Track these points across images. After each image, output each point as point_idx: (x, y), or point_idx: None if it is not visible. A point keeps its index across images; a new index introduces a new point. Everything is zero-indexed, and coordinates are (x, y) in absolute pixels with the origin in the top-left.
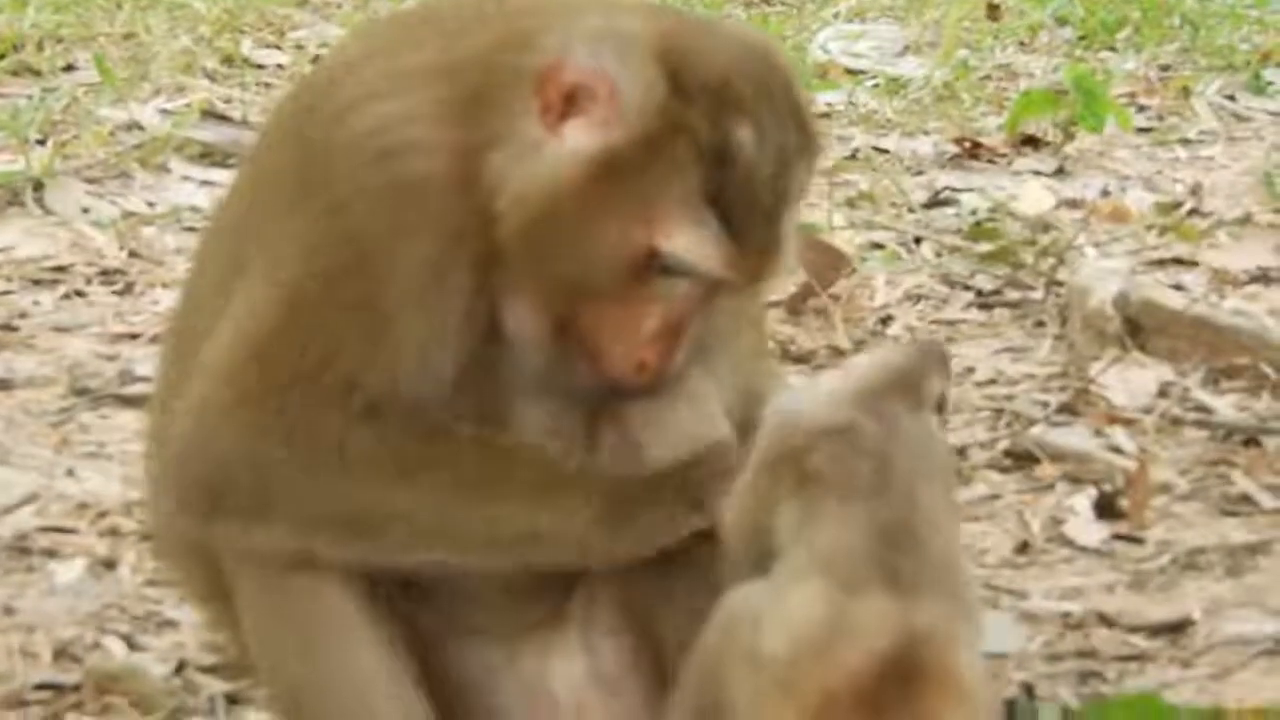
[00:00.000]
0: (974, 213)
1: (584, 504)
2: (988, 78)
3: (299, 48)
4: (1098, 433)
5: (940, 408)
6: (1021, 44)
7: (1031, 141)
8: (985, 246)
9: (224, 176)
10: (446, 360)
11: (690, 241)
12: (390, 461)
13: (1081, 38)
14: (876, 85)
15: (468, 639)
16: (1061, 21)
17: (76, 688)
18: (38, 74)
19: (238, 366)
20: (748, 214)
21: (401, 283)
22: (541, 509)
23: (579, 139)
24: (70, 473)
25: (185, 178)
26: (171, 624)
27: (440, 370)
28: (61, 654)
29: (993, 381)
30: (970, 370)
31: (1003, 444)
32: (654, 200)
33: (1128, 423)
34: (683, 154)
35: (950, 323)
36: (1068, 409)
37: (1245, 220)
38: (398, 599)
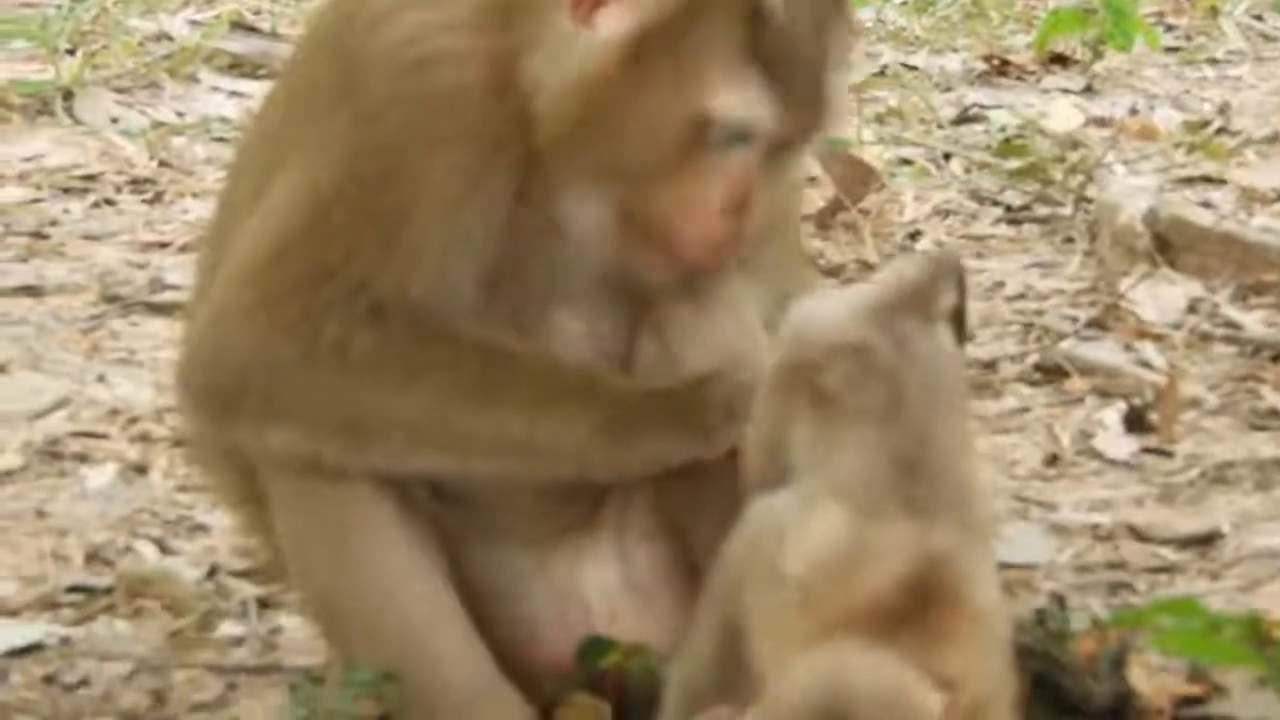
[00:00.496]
0: (1003, 130)
1: (584, 415)
2: None
3: None
4: (1127, 347)
5: (958, 321)
6: None
7: (1060, 59)
8: (1014, 163)
9: (253, 88)
10: (469, 269)
11: (739, 100)
12: (393, 364)
13: None
14: (905, 2)
15: (499, 544)
16: None
17: (108, 591)
18: None
19: (260, 267)
20: (791, 69)
21: (433, 190)
22: (541, 416)
23: (612, 25)
24: (101, 379)
25: (214, 88)
26: (203, 529)
27: (461, 279)
28: (93, 557)
29: (1022, 296)
30: (1000, 285)
31: (1032, 358)
32: (696, 67)
33: (1157, 338)
34: (719, 18)
35: (979, 238)
36: (1097, 324)
37: (1273, 139)
38: (429, 503)
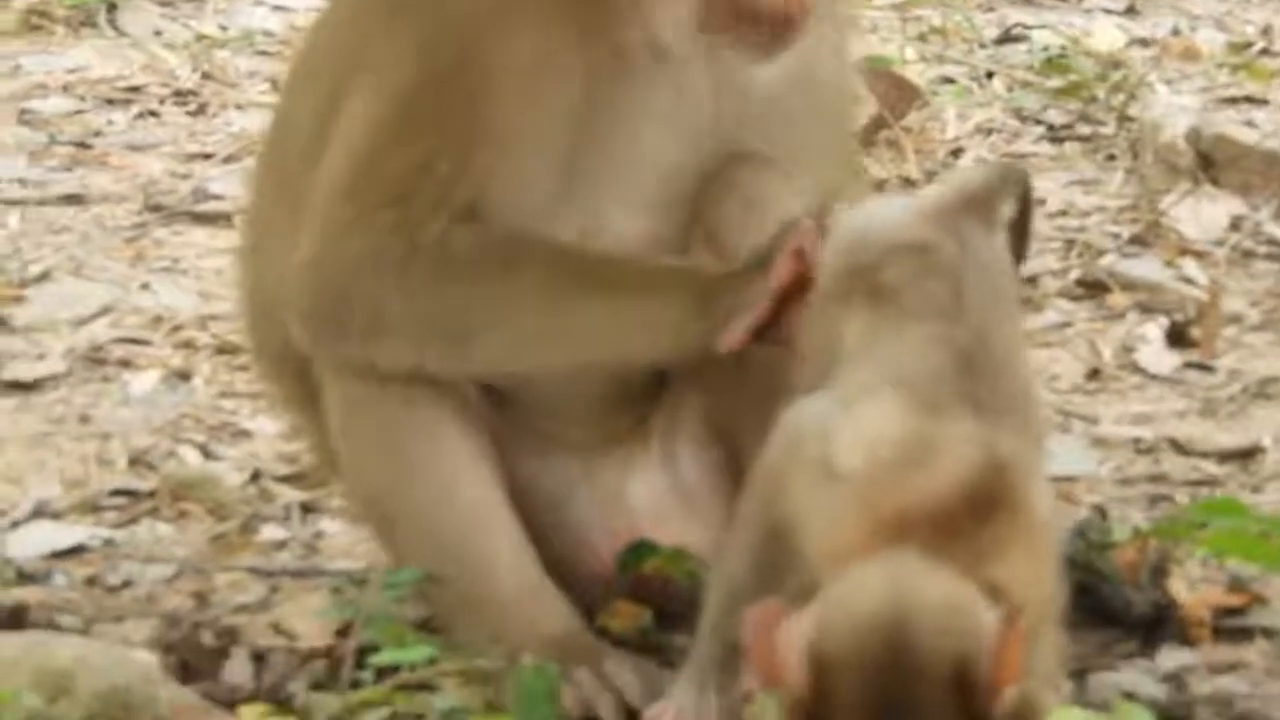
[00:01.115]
0: (1045, 49)
1: (677, 295)
2: None
3: None
4: (1169, 264)
5: (1021, 233)
6: None
7: None
8: (1056, 82)
9: (296, 1)
10: (548, 158)
11: None
12: (492, 262)
13: None
14: None
15: (549, 452)
16: None
17: (151, 494)
18: None
19: (354, 182)
20: None
21: (508, 71)
22: (635, 298)
23: None
24: (145, 286)
25: (257, 2)
26: (246, 434)
27: (541, 169)
28: (136, 462)
29: (1064, 213)
30: (1042, 201)
31: (1074, 273)
32: None
33: (1198, 254)
34: None
35: (1021, 156)
36: (1139, 240)
37: None
38: (484, 410)
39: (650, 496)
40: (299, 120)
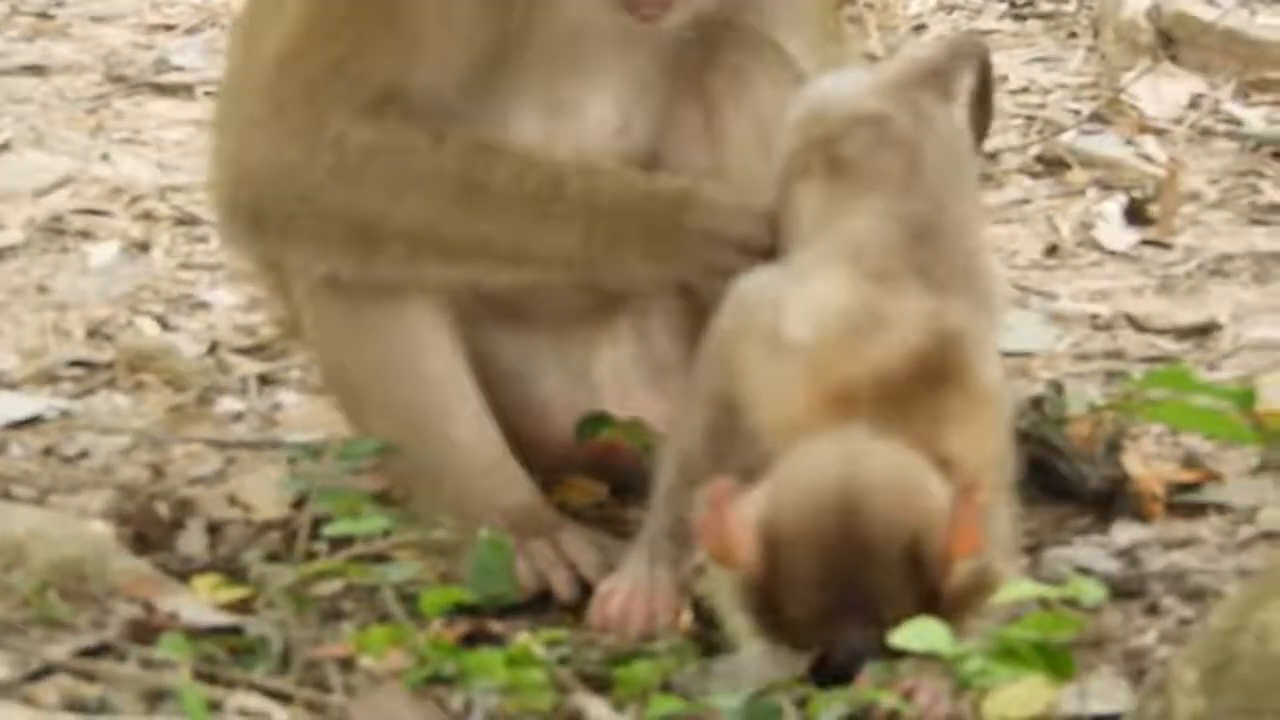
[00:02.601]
0: None
1: (569, 229)
2: None
3: None
4: (1128, 141)
5: (983, 105)
6: None
7: None
8: None
9: None
10: (466, 50)
11: None
12: (386, 167)
13: None
14: None
15: (515, 323)
16: None
17: (109, 366)
18: None
19: (271, 80)
20: None
21: None
22: (527, 227)
23: None
24: (105, 157)
25: None
26: (204, 306)
27: (460, 60)
28: (94, 333)
29: (1025, 90)
30: (1003, 78)
31: (1034, 150)
32: None
33: (1158, 132)
34: None
35: (984, 32)
36: (1099, 117)
37: None
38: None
39: (616, 370)
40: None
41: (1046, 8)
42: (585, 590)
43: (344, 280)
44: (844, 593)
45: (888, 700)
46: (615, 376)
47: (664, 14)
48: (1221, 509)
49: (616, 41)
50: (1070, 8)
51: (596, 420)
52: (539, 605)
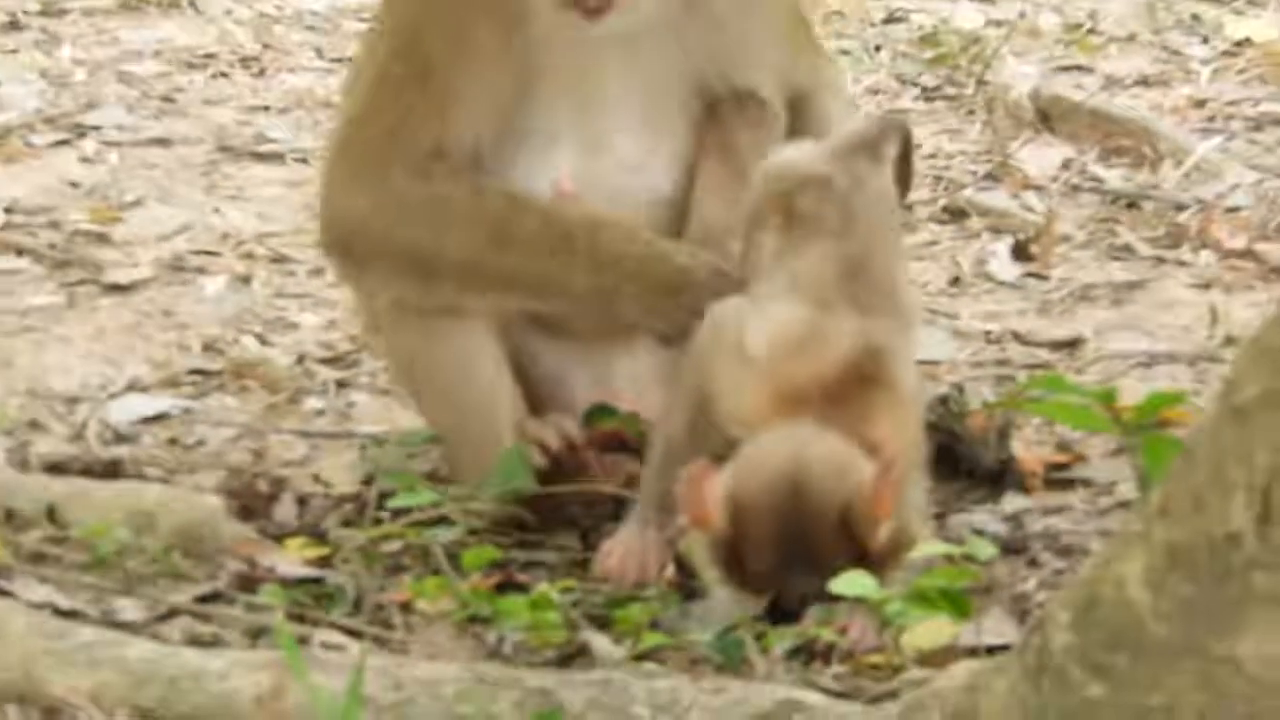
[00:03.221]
0: (920, 28)
1: (578, 277)
2: None
3: None
4: (1014, 195)
5: (905, 167)
6: None
7: None
8: (929, 54)
9: None
10: (497, 114)
11: None
12: (437, 215)
13: None
14: None
15: (551, 338)
16: None
17: (220, 373)
18: None
19: (346, 141)
20: None
21: (455, 44)
22: (545, 270)
23: None
24: (216, 210)
25: None
26: (294, 326)
27: (485, 118)
28: (208, 347)
29: (934, 155)
30: (917, 146)
31: (941, 202)
32: None
33: (1038, 188)
34: None
35: (902, 111)
36: (991, 177)
37: (1131, 38)
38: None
39: (633, 378)
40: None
41: (951, 91)
42: (591, 548)
43: (410, 302)
44: (792, 548)
45: (827, 635)
46: (632, 381)
47: (605, 14)
48: (1087, 483)
49: (626, 82)
50: (969, 91)
51: (601, 410)
52: (556, 562)
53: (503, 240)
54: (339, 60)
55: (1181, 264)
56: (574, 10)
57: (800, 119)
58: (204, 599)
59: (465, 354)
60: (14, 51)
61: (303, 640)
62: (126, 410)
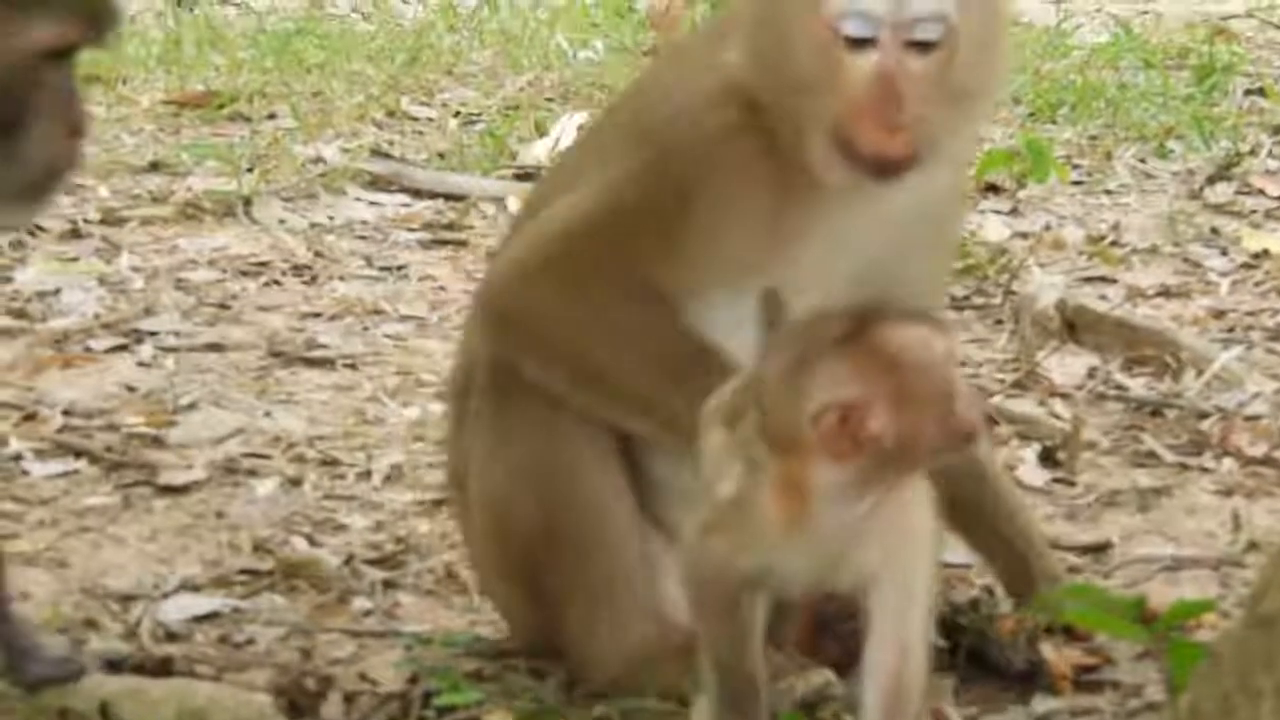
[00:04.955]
0: None
1: (670, 419)
2: None
3: (444, 105)
4: (1041, 403)
5: None
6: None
7: (993, 188)
8: (959, 265)
9: (386, 199)
10: (716, 267)
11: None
12: (608, 330)
13: (1031, 114)
14: None
15: (654, 452)
16: (1016, 100)
17: (270, 573)
18: (248, 119)
19: (553, 242)
20: None
21: (703, 203)
22: (653, 400)
23: None
24: (267, 414)
25: (357, 199)
26: (343, 528)
27: (709, 276)
28: (259, 548)
29: (963, 364)
30: None
31: None
32: None
33: (1064, 396)
34: None
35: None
36: (1019, 385)
37: (1153, 250)
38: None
39: None
40: (545, 183)
41: (979, 301)
42: None
43: (535, 384)
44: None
45: None
46: None
47: (902, 171)
48: (1115, 685)
49: (865, 247)
50: (997, 301)
51: None
52: None
53: (678, 382)
54: (387, 269)
55: (1204, 470)
56: (861, 167)
57: None
58: None
59: (586, 463)
60: (74, 259)
61: None
62: (179, 609)
